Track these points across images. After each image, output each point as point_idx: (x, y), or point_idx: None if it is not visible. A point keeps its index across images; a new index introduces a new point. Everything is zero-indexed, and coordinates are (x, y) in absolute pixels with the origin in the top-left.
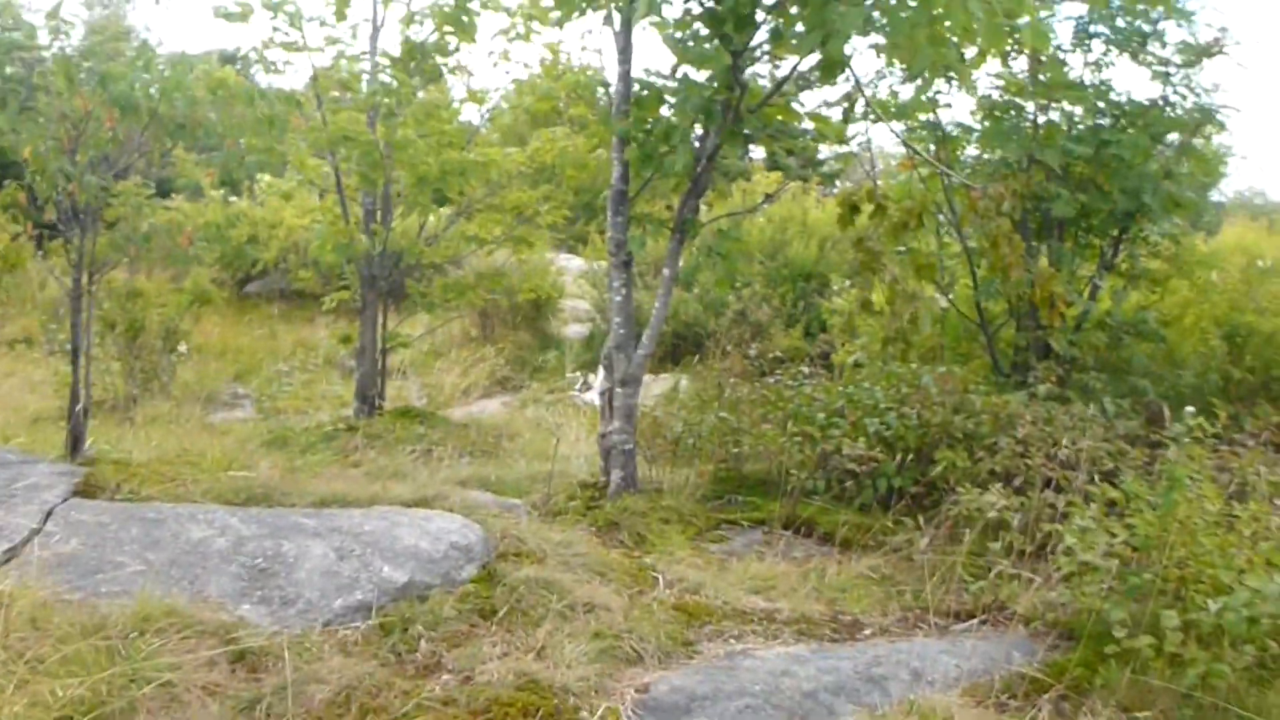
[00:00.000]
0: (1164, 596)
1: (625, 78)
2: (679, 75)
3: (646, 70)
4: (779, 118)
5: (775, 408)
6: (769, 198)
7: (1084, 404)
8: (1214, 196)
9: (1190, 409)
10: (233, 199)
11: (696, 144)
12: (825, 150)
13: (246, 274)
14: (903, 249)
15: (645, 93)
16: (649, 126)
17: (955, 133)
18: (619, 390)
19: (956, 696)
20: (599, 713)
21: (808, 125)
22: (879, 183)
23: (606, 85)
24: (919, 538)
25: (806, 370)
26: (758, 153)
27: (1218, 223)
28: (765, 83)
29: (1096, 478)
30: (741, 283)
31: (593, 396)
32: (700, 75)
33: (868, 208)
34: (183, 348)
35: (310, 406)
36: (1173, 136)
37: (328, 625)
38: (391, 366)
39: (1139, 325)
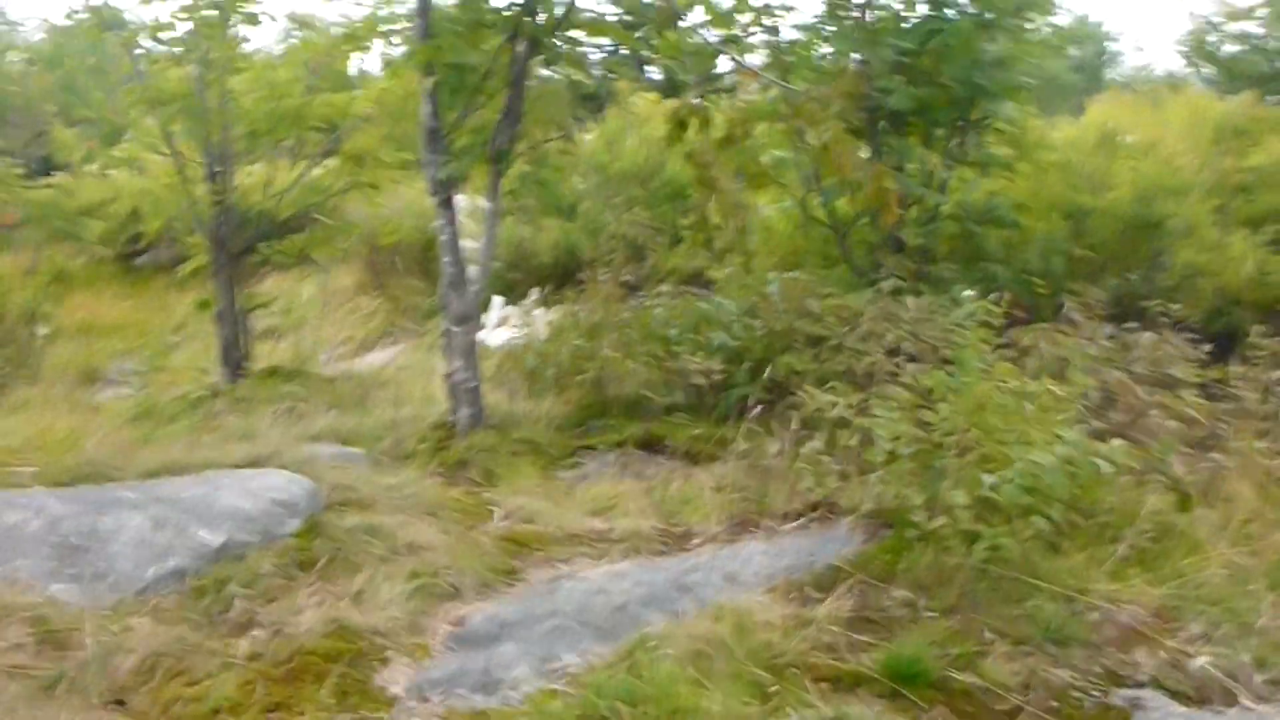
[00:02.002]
0: (962, 478)
1: (424, 11)
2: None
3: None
4: (586, 36)
5: (630, 330)
6: (577, 120)
7: (936, 295)
8: (1110, 75)
9: (969, 292)
10: (110, 172)
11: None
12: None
13: (134, 247)
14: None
15: (442, 24)
16: (451, 61)
17: (803, 38)
18: (456, 329)
19: (762, 594)
20: (408, 649)
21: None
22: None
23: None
24: (768, 444)
25: (668, 289)
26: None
27: (1080, 104)
28: None
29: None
30: (622, 205)
31: (483, 335)
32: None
33: (694, 122)
34: (42, 329)
35: (187, 377)
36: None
37: (141, 595)
38: (282, 326)
39: (990, 213)
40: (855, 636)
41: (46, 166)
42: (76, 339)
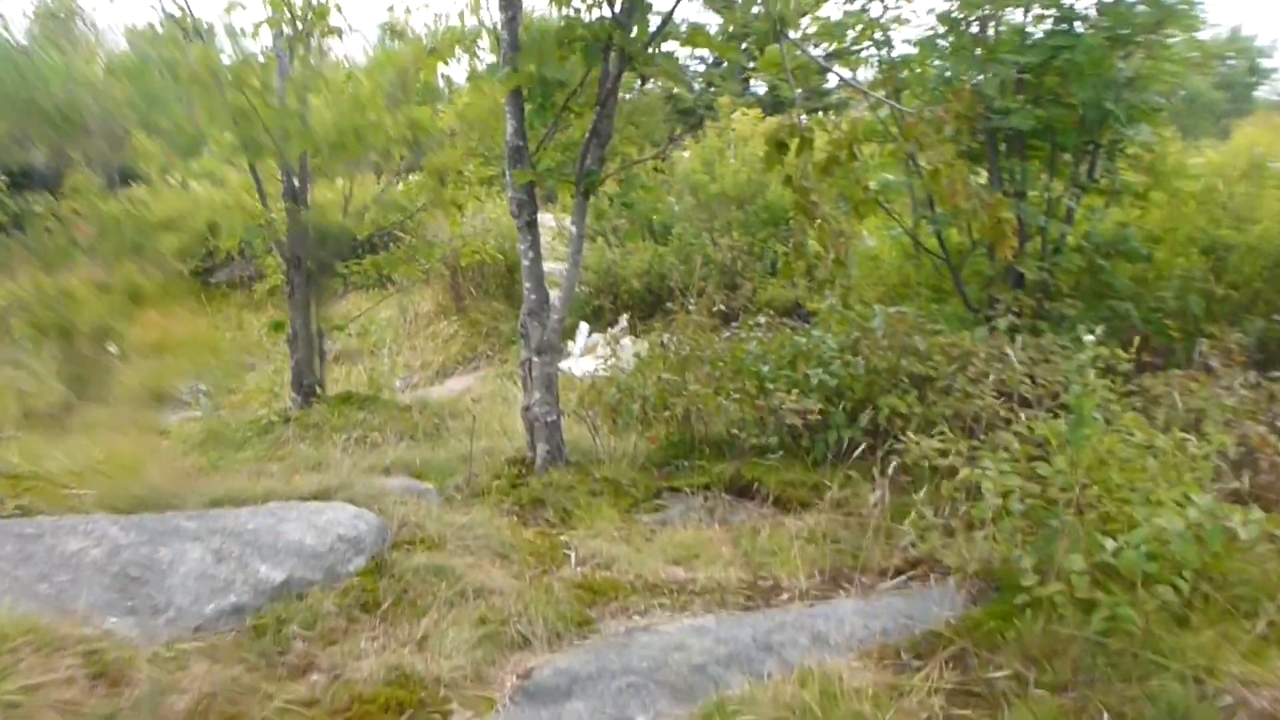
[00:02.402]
0: (1079, 540)
1: (511, 25)
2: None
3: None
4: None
5: (721, 364)
6: (672, 139)
7: (1056, 335)
8: (1262, 93)
9: (1090, 337)
10: (190, 184)
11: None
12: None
13: (211, 263)
14: (873, 186)
15: (531, 40)
16: (542, 78)
17: (916, 53)
18: (536, 360)
19: (854, 659)
20: (472, 702)
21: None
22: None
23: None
24: (867, 491)
25: (763, 321)
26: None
27: (1225, 125)
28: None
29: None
30: (718, 230)
31: (567, 365)
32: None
33: (794, 143)
34: (112, 348)
35: (258, 401)
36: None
37: (198, 631)
38: (358, 349)
39: (1120, 244)
40: (955, 710)
41: (126, 177)
42: (147, 358)
